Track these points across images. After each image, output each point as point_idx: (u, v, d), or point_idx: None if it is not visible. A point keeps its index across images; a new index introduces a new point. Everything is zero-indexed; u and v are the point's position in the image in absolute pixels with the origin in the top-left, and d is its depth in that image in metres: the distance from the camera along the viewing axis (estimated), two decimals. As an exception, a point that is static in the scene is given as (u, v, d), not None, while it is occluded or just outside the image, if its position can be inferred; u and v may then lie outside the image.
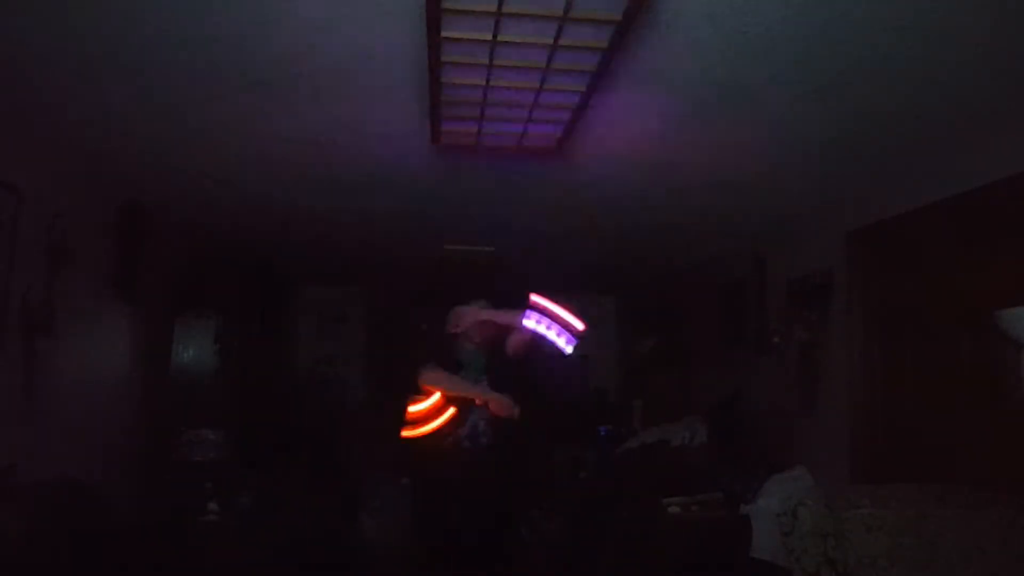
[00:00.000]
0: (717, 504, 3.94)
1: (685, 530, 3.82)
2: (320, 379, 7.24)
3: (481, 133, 2.58)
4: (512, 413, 3.25)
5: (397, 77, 2.41)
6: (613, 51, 1.92)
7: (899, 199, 3.31)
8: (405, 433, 3.37)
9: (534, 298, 3.22)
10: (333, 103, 2.68)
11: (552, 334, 3.21)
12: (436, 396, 3.33)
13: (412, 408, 3.38)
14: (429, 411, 3.34)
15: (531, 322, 3.19)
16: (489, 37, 1.92)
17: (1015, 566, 2.23)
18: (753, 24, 2.03)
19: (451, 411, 3.32)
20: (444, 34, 1.86)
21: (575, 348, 3.26)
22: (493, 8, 1.77)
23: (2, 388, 2.96)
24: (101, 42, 2.23)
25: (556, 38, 1.91)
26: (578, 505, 4.75)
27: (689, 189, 3.75)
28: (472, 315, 3.41)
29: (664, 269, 6.26)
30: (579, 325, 3.25)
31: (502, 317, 3.35)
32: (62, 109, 2.82)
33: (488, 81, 2.16)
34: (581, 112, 2.38)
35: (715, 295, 5.54)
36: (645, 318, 7.08)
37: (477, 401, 3.31)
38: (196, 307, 5.44)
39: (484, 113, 2.40)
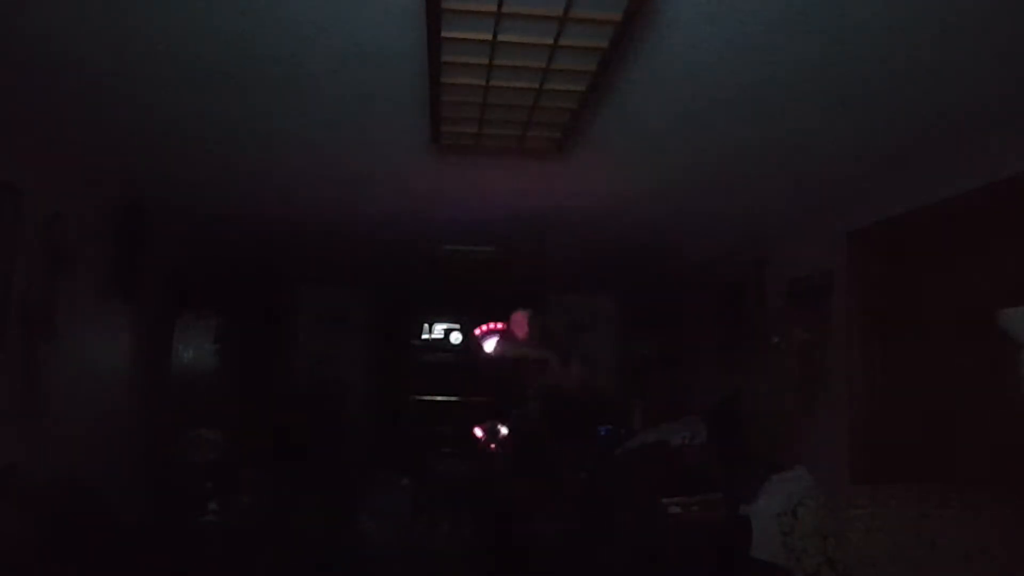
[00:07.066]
0: (717, 504, 3.94)
1: (685, 530, 3.82)
2: (320, 379, 7.24)
3: (481, 133, 2.58)
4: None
5: (397, 77, 2.42)
6: (613, 52, 1.92)
7: (899, 199, 3.31)
8: None
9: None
10: (333, 103, 2.68)
11: None
12: None
13: None
14: None
15: None
16: (489, 37, 1.91)
17: (1015, 566, 2.23)
18: (753, 24, 2.03)
19: None
20: (444, 34, 1.85)
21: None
22: (493, 8, 1.76)
23: (2, 388, 2.96)
24: (100, 43, 2.23)
25: (556, 39, 1.91)
26: (578, 505, 4.75)
27: (689, 189, 3.75)
28: None
29: (664, 269, 6.26)
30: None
31: None
32: (62, 109, 2.82)
33: (488, 81, 2.16)
34: (581, 113, 2.38)
35: (715, 295, 5.54)
36: (645, 318, 7.08)
37: None
38: (196, 307, 5.45)
39: (484, 113, 2.40)
